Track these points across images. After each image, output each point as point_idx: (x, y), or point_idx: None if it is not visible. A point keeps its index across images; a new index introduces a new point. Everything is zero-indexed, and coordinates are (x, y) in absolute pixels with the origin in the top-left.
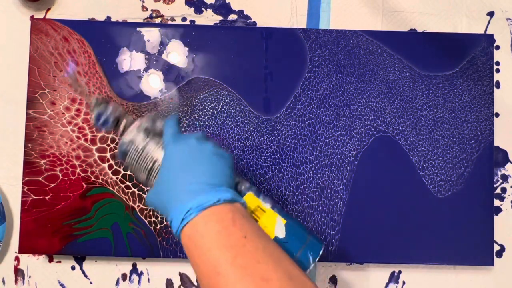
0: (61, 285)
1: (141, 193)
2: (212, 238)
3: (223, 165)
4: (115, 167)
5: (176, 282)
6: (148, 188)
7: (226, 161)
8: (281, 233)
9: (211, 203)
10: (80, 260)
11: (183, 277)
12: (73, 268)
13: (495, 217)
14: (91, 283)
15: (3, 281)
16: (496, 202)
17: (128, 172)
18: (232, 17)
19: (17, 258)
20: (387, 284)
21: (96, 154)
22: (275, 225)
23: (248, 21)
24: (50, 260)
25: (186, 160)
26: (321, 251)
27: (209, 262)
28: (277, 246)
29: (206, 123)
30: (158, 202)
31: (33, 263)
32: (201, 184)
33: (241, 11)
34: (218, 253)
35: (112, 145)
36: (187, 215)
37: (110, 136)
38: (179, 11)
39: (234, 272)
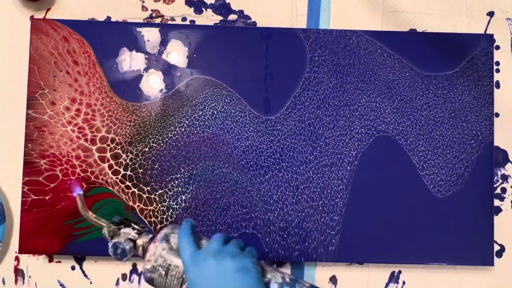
0: (61, 285)
1: (141, 193)
2: None
3: (248, 281)
4: (115, 167)
5: None
6: None
7: (250, 276)
8: None
9: None
10: (80, 260)
11: None
12: (73, 268)
13: (495, 217)
14: (91, 283)
15: (3, 281)
16: (496, 202)
17: (128, 172)
18: (232, 17)
19: (17, 258)
20: (387, 284)
21: (96, 154)
22: None
23: (248, 21)
24: (50, 260)
25: (209, 279)
26: None
27: None
28: None
29: (206, 123)
30: None
31: (33, 263)
32: None
33: (241, 11)
34: None
35: (112, 145)
36: None
37: (110, 136)
38: (179, 11)
39: None
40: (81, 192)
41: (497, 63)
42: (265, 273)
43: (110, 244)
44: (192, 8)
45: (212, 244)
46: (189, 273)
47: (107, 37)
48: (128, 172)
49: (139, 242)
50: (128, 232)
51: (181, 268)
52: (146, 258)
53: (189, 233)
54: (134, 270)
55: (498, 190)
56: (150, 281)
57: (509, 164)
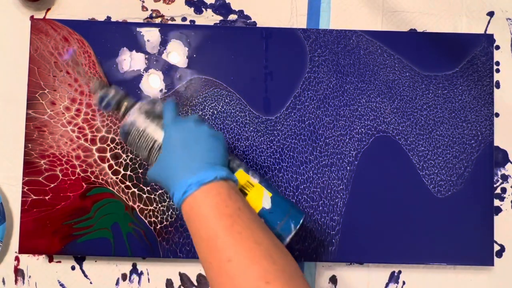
0: (61, 285)
1: (141, 193)
2: (212, 208)
3: (219, 145)
4: (115, 167)
5: (176, 282)
6: (148, 164)
7: (220, 142)
8: (267, 204)
9: (209, 180)
10: (80, 260)
11: (183, 277)
12: (73, 268)
13: (495, 217)
14: (91, 283)
15: (3, 281)
16: (496, 202)
17: (128, 172)
18: (232, 17)
19: (17, 258)
20: (387, 284)
21: (96, 154)
22: (262, 197)
23: (248, 21)
24: (50, 260)
25: (186, 141)
26: (301, 220)
27: (209, 228)
28: (262, 220)
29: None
30: (159, 177)
31: (33, 263)
32: (200, 162)
33: (241, 11)
34: (217, 221)
35: (112, 145)
36: (189, 189)
37: (110, 136)
38: (179, 11)
39: (232, 236)
40: (73, 53)
41: (497, 63)
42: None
43: (98, 95)
44: (192, 8)
45: (193, 116)
46: (168, 129)
47: (107, 37)
48: (128, 172)
49: (125, 101)
50: (117, 90)
51: (157, 131)
52: (129, 112)
53: (174, 104)
54: (134, 270)
55: (498, 190)
56: (125, 135)
57: (509, 164)
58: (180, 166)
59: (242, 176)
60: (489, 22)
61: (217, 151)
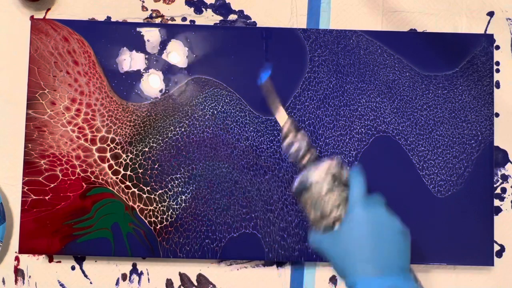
0: (61, 285)
1: (141, 193)
2: None
3: (406, 246)
4: (115, 167)
5: (176, 282)
6: (315, 227)
7: (408, 242)
8: None
9: None
10: (80, 260)
11: (183, 277)
12: (73, 268)
13: (495, 217)
14: (91, 283)
15: (3, 281)
16: (496, 202)
17: (128, 172)
18: (232, 17)
19: (17, 258)
20: None
21: (96, 154)
22: None
23: (248, 21)
24: (50, 260)
25: (376, 229)
26: None
27: None
28: None
29: (206, 123)
30: (329, 251)
31: (33, 263)
32: (390, 263)
33: (241, 11)
34: None
35: (112, 145)
36: None
37: (110, 136)
38: (179, 11)
39: None
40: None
41: (497, 63)
42: None
43: (289, 139)
44: (192, 8)
45: (379, 198)
46: (356, 210)
47: (107, 37)
48: (128, 172)
49: (311, 152)
50: (305, 137)
51: (341, 200)
52: (317, 170)
53: (363, 177)
54: (134, 270)
55: (498, 190)
56: (303, 190)
57: (509, 164)
58: (365, 257)
59: None
60: (489, 22)
61: (405, 253)
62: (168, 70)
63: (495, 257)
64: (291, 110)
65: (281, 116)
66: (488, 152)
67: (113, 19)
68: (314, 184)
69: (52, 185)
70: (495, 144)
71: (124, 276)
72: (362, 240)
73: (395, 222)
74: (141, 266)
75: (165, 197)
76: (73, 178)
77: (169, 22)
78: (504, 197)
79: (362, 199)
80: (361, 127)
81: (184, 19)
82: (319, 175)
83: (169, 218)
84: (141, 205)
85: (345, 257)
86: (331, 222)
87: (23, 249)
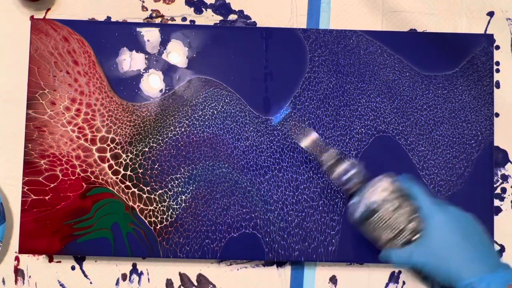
0: (61, 285)
1: (141, 193)
2: None
3: (486, 237)
4: (115, 167)
5: (176, 282)
6: (387, 245)
7: (485, 233)
8: None
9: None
10: (80, 260)
11: (183, 277)
12: (73, 268)
13: (495, 217)
14: (91, 283)
15: (3, 281)
16: (496, 202)
17: (128, 172)
18: (232, 17)
19: (17, 258)
20: (387, 284)
21: (96, 154)
22: None
23: (248, 21)
24: (50, 260)
25: (462, 230)
26: None
27: None
28: None
29: (206, 123)
30: (427, 263)
31: (33, 263)
32: (492, 257)
33: (241, 11)
34: None
35: (112, 145)
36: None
37: (110, 136)
38: (179, 11)
39: None
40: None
41: (497, 63)
42: None
43: (341, 168)
44: (192, 8)
45: (443, 203)
46: (436, 213)
47: (107, 37)
48: (128, 172)
49: (361, 176)
50: (356, 162)
51: (411, 212)
52: (379, 190)
53: (425, 186)
54: (134, 270)
55: (498, 190)
56: (369, 212)
57: (509, 164)
58: (466, 257)
59: None
60: (489, 22)
61: (491, 241)
62: (168, 70)
63: None
64: (291, 110)
65: (330, 154)
66: (488, 152)
67: (113, 19)
68: (380, 205)
69: (52, 185)
70: (495, 144)
71: (124, 276)
72: (454, 242)
73: (467, 216)
74: (141, 266)
75: (165, 197)
76: (73, 178)
77: (169, 22)
78: (504, 197)
79: (433, 205)
80: (361, 127)
81: (184, 19)
82: (382, 195)
83: (169, 218)
84: (141, 205)
85: (447, 263)
86: (407, 235)
87: (23, 249)
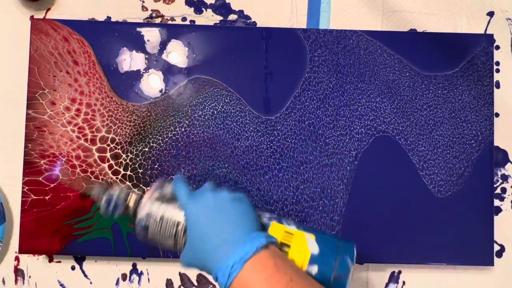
0: (61, 285)
1: (141, 193)
2: (262, 287)
3: (245, 207)
4: (115, 167)
5: (176, 282)
6: (179, 251)
7: (245, 203)
8: (315, 249)
9: (250, 254)
10: (80, 260)
11: (183, 277)
12: (73, 268)
13: (495, 217)
14: (91, 283)
15: (3, 281)
16: (496, 202)
17: (128, 172)
18: (232, 17)
19: (17, 258)
20: (387, 284)
21: (96, 154)
22: (307, 243)
23: (248, 21)
24: (50, 260)
25: (211, 215)
26: (355, 250)
27: None
28: (318, 283)
29: (206, 123)
30: (195, 261)
31: (33, 263)
32: (233, 235)
33: (241, 11)
34: None
35: (112, 145)
36: (232, 270)
37: (110, 136)
38: (179, 11)
39: None
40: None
41: (497, 63)
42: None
43: (102, 201)
44: (192, 8)
45: (206, 185)
46: (188, 208)
47: (107, 37)
48: (128, 172)
49: (133, 196)
50: (119, 187)
51: (176, 214)
52: (140, 206)
53: (183, 179)
54: (134, 270)
55: (498, 190)
56: (144, 230)
57: (509, 164)
58: (214, 244)
59: (277, 229)
60: (489, 22)
61: (245, 216)
62: (168, 70)
63: (495, 257)
64: (291, 110)
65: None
66: (488, 152)
67: (113, 19)
68: (146, 218)
69: (52, 185)
70: (495, 144)
71: (124, 276)
72: (203, 228)
73: (222, 193)
74: (141, 266)
75: None
76: (73, 178)
77: (169, 22)
78: (504, 197)
79: (188, 197)
80: (361, 127)
81: (184, 19)
82: (146, 208)
83: None
84: None
85: (203, 256)
86: (182, 236)
87: (23, 249)
